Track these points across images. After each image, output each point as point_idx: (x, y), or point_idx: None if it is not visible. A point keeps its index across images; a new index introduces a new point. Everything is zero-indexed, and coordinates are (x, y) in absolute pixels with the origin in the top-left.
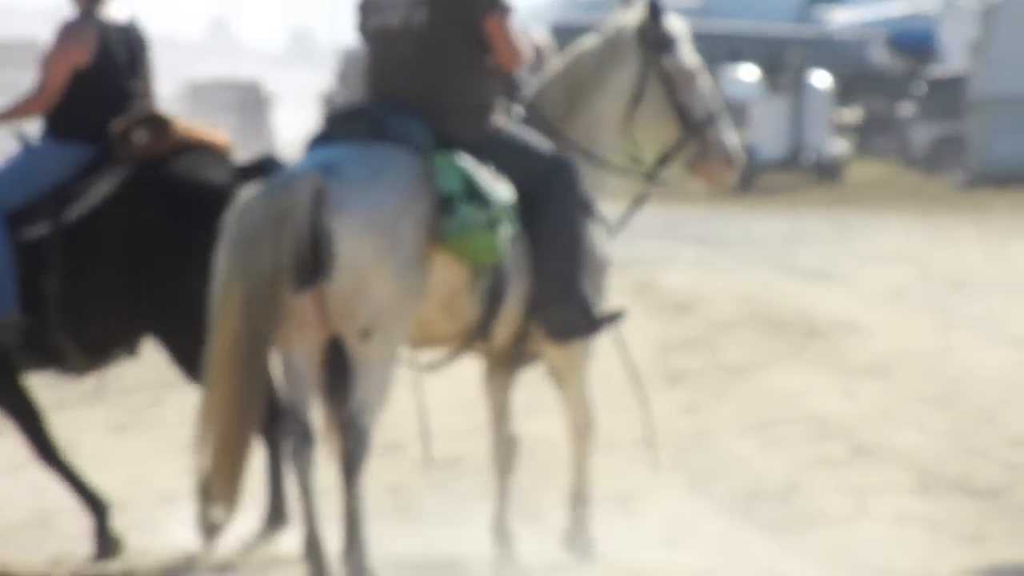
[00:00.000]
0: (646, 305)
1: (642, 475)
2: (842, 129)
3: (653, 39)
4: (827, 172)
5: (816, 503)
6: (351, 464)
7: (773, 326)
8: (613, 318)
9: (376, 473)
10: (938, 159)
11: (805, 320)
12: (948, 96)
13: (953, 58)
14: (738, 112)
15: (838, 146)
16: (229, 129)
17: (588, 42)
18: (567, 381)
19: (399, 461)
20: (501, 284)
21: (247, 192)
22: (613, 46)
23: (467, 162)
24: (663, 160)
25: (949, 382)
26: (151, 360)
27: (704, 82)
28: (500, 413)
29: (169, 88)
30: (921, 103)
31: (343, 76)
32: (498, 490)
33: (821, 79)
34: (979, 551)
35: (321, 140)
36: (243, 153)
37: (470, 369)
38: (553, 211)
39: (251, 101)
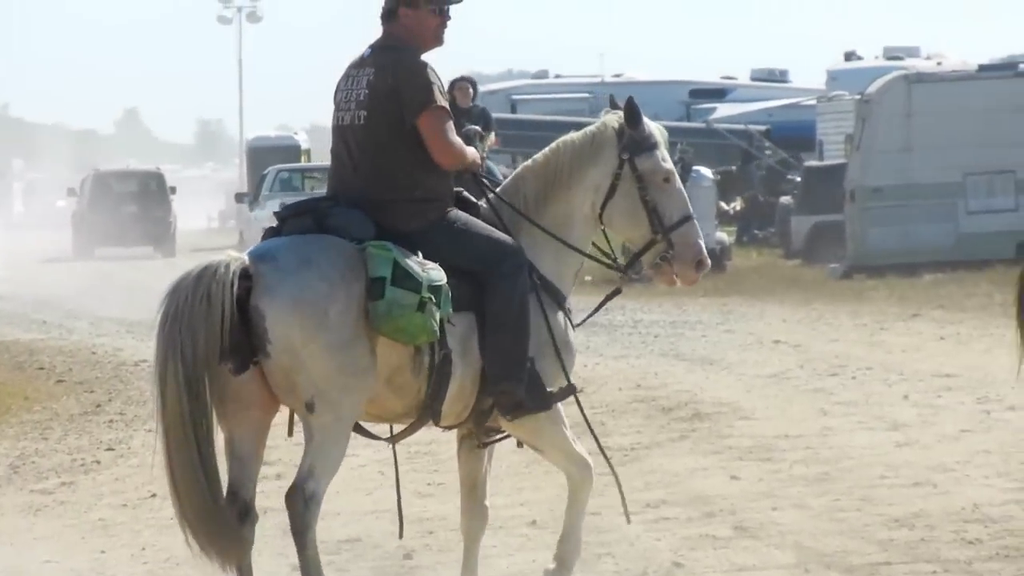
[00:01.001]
0: None
1: (534, 554)
2: (724, 219)
3: (630, 140)
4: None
5: None
6: (300, 527)
7: (660, 410)
8: (564, 392)
9: (280, 552)
10: (817, 248)
11: (690, 404)
12: (826, 187)
13: (831, 150)
14: None
15: (721, 236)
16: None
17: (571, 136)
18: (541, 449)
19: None
20: (445, 363)
21: (178, 276)
22: (593, 141)
23: (397, 250)
24: (633, 257)
25: (828, 463)
26: (65, 444)
27: (676, 185)
28: (471, 484)
29: (75, 176)
30: (800, 194)
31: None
32: (465, 558)
33: (705, 170)
34: None
35: (272, 234)
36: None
37: (374, 454)
38: (501, 292)
39: (152, 190)
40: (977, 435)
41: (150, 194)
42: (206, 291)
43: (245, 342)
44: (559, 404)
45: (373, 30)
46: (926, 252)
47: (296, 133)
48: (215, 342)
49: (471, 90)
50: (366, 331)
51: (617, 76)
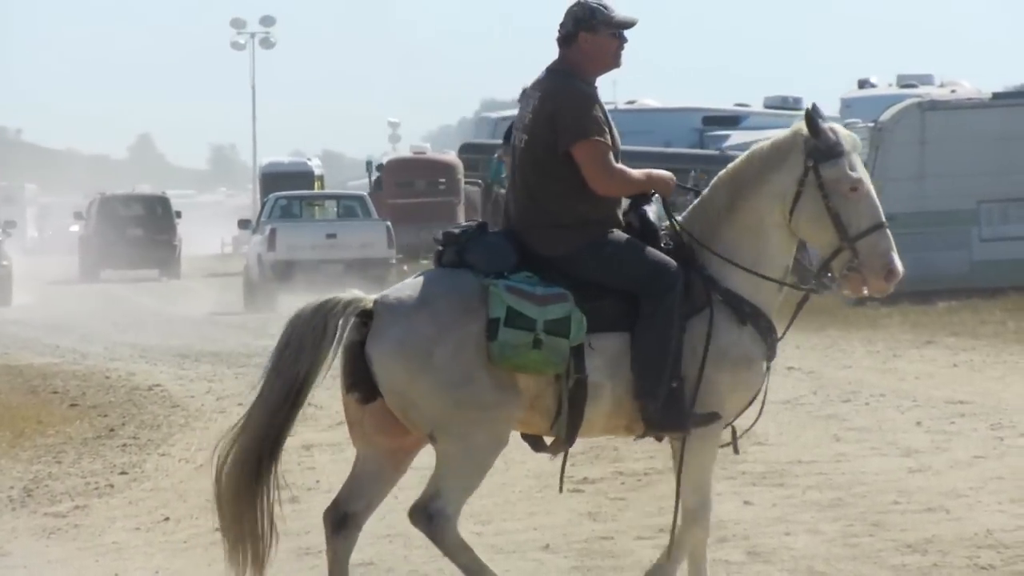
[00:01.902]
0: None
1: None
2: None
3: (814, 148)
4: None
5: None
6: (435, 540)
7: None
8: (706, 418)
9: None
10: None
11: None
12: None
13: None
14: None
15: None
16: (136, 239)
17: (762, 143)
18: (686, 465)
19: (315, 567)
20: (579, 388)
21: (305, 303)
22: (780, 148)
23: (512, 291)
24: (822, 265)
25: (841, 489)
26: (78, 468)
27: (866, 193)
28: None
29: (83, 201)
30: None
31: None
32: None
33: None
34: None
35: (436, 260)
36: (146, 261)
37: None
38: (646, 311)
39: (158, 214)
40: (990, 461)
41: (156, 218)
42: (321, 322)
43: (367, 378)
44: (717, 432)
45: (387, 58)
46: (940, 279)
47: (309, 159)
48: (315, 369)
49: None
50: (488, 367)
51: (630, 103)
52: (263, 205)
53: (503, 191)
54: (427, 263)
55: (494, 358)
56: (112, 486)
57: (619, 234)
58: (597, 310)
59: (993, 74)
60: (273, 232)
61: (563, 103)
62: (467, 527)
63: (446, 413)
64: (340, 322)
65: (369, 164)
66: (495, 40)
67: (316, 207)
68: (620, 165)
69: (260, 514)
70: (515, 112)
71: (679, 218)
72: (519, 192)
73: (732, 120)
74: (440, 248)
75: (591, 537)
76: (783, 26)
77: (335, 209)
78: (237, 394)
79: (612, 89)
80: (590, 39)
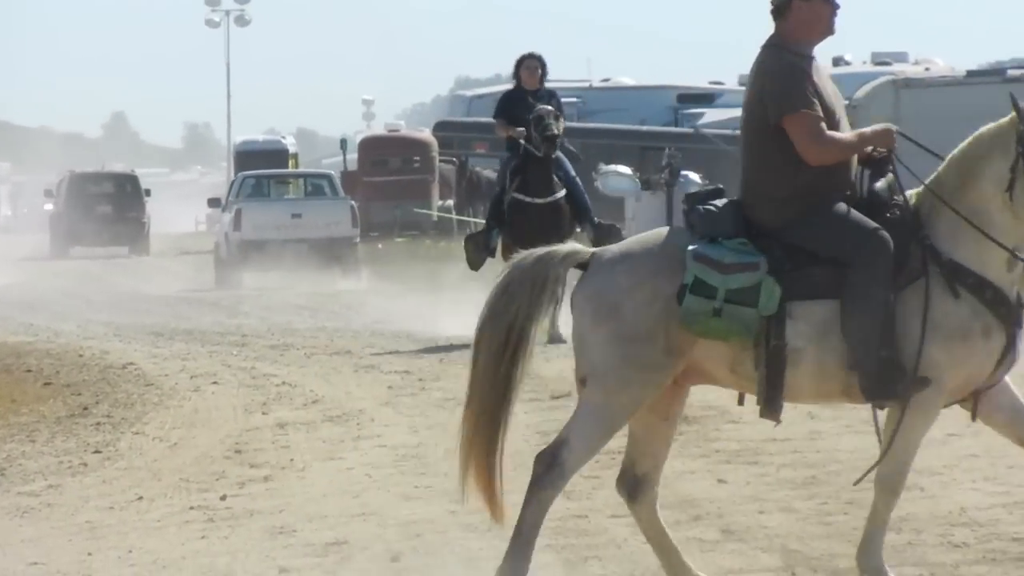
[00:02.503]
0: (524, 394)
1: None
2: None
3: (1022, 134)
4: None
5: None
6: (534, 483)
7: None
8: (917, 384)
9: (267, 554)
10: None
11: None
12: None
13: None
14: (614, 206)
15: None
16: (106, 216)
17: (986, 127)
18: (898, 432)
19: (289, 545)
20: (777, 354)
21: (525, 252)
22: (998, 135)
23: (699, 260)
24: None
25: (815, 467)
26: (52, 447)
27: None
28: None
29: (54, 178)
30: None
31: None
32: None
33: (693, 175)
34: None
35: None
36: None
37: (361, 456)
38: (855, 281)
39: (127, 191)
40: (964, 439)
41: (125, 195)
42: (541, 270)
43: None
44: (934, 403)
45: (361, 37)
46: None
47: (284, 137)
48: (532, 315)
49: (540, 71)
50: (668, 331)
51: (605, 81)
52: (231, 184)
53: (478, 169)
54: (401, 240)
55: (682, 322)
56: (86, 465)
57: (832, 204)
58: (804, 278)
59: (967, 52)
60: (239, 212)
61: (771, 78)
62: (442, 505)
63: (609, 362)
64: (560, 272)
65: (343, 142)
66: (469, 19)
67: (284, 186)
68: (833, 133)
69: (497, 454)
70: (489, 90)
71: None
72: (744, 167)
73: (707, 98)
74: (684, 209)
75: (565, 515)
76: (757, 3)
77: (303, 188)
78: (211, 372)
79: (587, 67)
80: (804, 6)
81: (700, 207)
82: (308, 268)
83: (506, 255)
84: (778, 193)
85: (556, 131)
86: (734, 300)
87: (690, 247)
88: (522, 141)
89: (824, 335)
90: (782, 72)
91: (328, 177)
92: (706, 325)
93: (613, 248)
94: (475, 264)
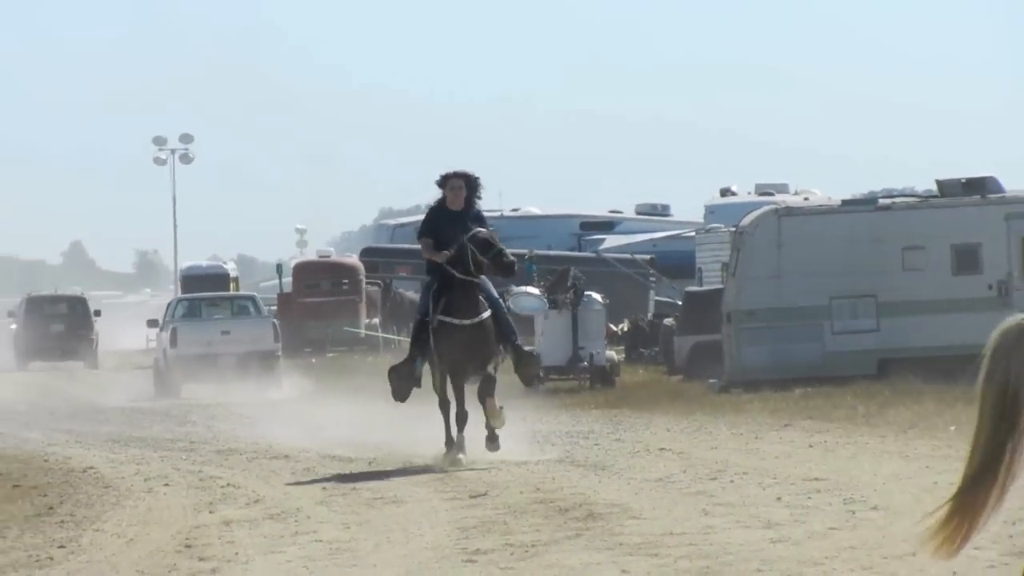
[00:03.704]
0: (446, 493)
1: None
2: (613, 339)
3: None
4: (601, 377)
5: None
6: None
7: (557, 510)
8: None
9: None
10: (697, 365)
11: (585, 505)
12: (705, 310)
13: (710, 276)
14: (525, 324)
15: (610, 354)
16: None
17: None
18: None
19: None
20: None
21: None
22: None
23: None
24: None
25: (709, 558)
26: (21, 542)
27: None
28: None
29: (13, 300)
30: (682, 316)
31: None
32: None
33: (595, 295)
34: None
35: None
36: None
37: (296, 551)
38: None
39: (78, 311)
40: (843, 532)
41: (76, 315)
42: (1016, 333)
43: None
44: None
45: (294, 172)
46: (796, 368)
47: (225, 263)
48: (1011, 378)
49: (463, 191)
50: None
51: (515, 210)
52: (168, 306)
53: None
54: (332, 355)
55: None
56: (51, 559)
57: None
58: None
59: (842, 183)
60: (175, 331)
61: None
62: None
63: None
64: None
65: (279, 267)
66: (391, 155)
67: (214, 307)
68: None
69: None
70: (410, 219)
71: None
72: None
73: (607, 225)
74: None
75: None
76: (652, 139)
77: (231, 308)
78: (163, 475)
79: (499, 198)
80: None
81: None
82: (237, 379)
83: (434, 376)
84: None
85: (511, 258)
86: None
87: None
88: (446, 265)
89: None
90: None
91: (252, 299)
92: None
93: None
94: (401, 395)
